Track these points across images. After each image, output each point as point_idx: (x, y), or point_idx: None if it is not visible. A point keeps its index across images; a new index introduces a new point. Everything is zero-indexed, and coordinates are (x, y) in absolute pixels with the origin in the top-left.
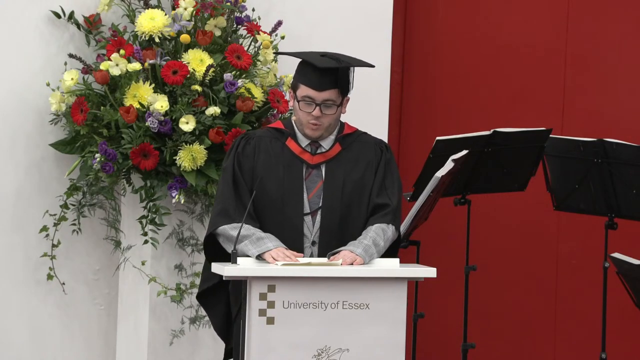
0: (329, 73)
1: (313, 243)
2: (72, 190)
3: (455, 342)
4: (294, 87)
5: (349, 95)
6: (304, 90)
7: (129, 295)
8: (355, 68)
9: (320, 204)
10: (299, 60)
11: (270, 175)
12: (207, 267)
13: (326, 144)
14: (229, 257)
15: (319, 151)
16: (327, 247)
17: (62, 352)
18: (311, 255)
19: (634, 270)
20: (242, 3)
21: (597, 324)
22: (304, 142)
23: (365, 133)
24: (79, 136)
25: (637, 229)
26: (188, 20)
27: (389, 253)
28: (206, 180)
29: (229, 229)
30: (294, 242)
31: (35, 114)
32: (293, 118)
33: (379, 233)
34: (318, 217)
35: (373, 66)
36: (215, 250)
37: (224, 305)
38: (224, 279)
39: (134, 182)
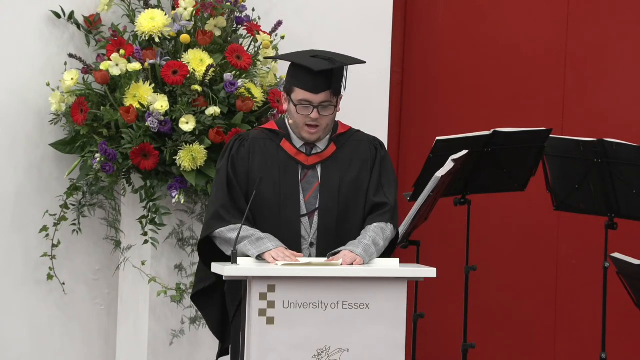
0: (324, 74)
1: (311, 244)
2: (72, 190)
3: (455, 342)
4: (287, 91)
5: (342, 94)
6: (300, 94)
7: (129, 295)
8: (354, 67)
9: (317, 205)
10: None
11: (266, 178)
12: (201, 268)
13: (321, 144)
14: (224, 260)
15: (314, 152)
16: (326, 248)
17: (62, 352)
18: (309, 257)
19: (634, 270)
20: (242, 3)
21: (597, 324)
22: (299, 142)
23: (359, 131)
24: (79, 136)
25: (637, 229)
26: (188, 20)
27: (386, 252)
28: (206, 180)
29: (226, 231)
30: (292, 244)
31: (35, 114)
32: (288, 121)
33: (378, 232)
34: (315, 218)
35: (364, 62)
36: (210, 253)
37: (219, 305)
38: (224, 279)
39: (134, 182)
